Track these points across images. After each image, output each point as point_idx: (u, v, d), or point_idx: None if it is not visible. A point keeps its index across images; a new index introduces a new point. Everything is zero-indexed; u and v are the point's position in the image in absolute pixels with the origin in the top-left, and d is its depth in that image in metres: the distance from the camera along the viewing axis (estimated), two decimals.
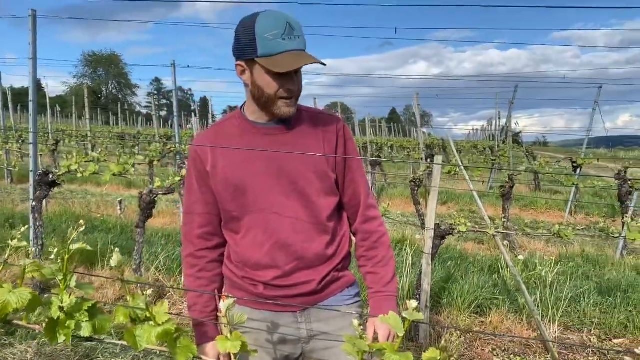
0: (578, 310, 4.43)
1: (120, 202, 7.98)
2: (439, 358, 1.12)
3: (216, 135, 1.63)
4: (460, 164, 4.71)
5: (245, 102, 1.63)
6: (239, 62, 1.53)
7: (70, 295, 1.31)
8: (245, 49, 1.47)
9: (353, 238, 1.77)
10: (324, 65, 1.51)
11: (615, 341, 4.08)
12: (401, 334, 1.17)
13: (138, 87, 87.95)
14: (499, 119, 16.39)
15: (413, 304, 1.18)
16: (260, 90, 1.51)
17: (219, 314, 1.58)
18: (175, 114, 7.87)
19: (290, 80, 1.49)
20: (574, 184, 8.64)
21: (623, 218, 5.34)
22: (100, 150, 4.78)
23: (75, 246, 1.34)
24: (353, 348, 1.18)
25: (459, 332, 3.88)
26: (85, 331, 1.31)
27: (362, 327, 1.16)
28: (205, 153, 1.60)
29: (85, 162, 5.35)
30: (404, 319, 1.17)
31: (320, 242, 1.60)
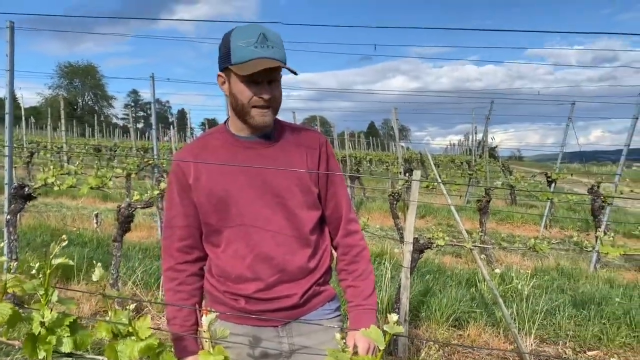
0: (553, 323, 4.50)
1: (96, 215, 7.87)
2: None
3: (200, 148, 1.65)
4: (439, 179, 4.77)
5: (229, 117, 1.66)
6: (219, 74, 1.58)
7: (51, 310, 1.31)
8: (223, 59, 1.52)
9: (334, 252, 1.79)
10: (295, 73, 1.54)
11: (590, 353, 4.15)
12: (382, 347, 1.19)
13: (115, 98, 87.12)
14: (476, 133, 16.66)
15: (394, 317, 1.20)
16: (236, 99, 1.54)
17: (200, 328, 1.58)
18: (153, 127, 7.81)
19: (263, 88, 1.51)
20: (548, 199, 8.81)
21: (596, 232, 5.46)
22: (77, 162, 4.72)
23: (57, 261, 1.34)
24: None
25: (437, 346, 3.91)
26: (67, 347, 1.31)
27: (344, 341, 1.18)
28: (188, 166, 1.62)
29: (62, 174, 5.29)
30: (384, 332, 1.19)
31: (303, 255, 1.62)
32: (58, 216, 8.76)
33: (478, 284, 5.26)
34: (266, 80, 1.51)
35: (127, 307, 1.29)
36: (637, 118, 6.57)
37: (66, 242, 1.38)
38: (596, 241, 4.37)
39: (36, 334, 1.27)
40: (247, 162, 1.58)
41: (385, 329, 1.19)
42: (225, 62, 1.51)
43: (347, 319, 1.75)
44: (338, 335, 1.17)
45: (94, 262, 1.33)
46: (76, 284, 4.84)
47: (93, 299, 4.44)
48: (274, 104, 1.55)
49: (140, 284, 4.84)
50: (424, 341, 3.98)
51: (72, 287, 4.75)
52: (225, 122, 1.69)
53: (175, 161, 1.67)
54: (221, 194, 1.58)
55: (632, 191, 6.33)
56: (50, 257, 1.32)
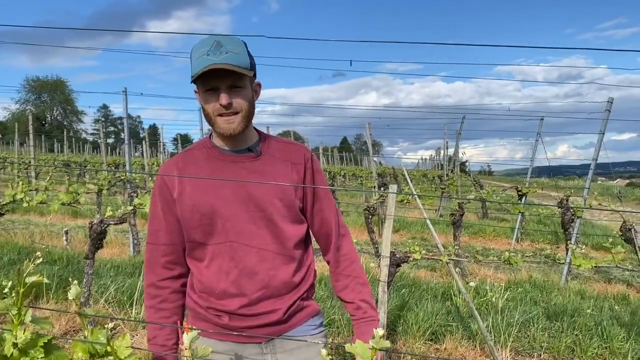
0: (528, 335, 4.55)
1: (66, 232, 7.68)
2: None
3: (185, 161, 1.63)
4: (414, 192, 4.80)
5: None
6: (194, 89, 1.59)
7: (24, 330, 1.26)
8: (191, 75, 1.52)
9: (322, 267, 1.77)
10: (250, 75, 1.52)
11: None
12: None
13: (84, 113, 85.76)
14: (447, 148, 16.89)
15: (380, 332, 1.19)
16: (203, 110, 1.56)
17: (181, 346, 1.54)
18: (126, 141, 7.71)
19: (221, 94, 1.50)
20: (520, 212, 8.96)
21: (567, 244, 5.56)
22: (47, 178, 4.62)
23: (31, 279, 1.29)
24: None
25: (415, 359, 3.90)
26: None
27: (329, 357, 1.16)
28: (172, 180, 1.60)
29: (30, 190, 5.15)
30: (371, 348, 1.18)
31: (287, 270, 1.60)
32: (26, 233, 8.52)
33: (453, 297, 5.29)
34: (224, 86, 1.49)
35: (106, 326, 1.25)
36: (603, 133, 6.75)
37: (41, 259, 1.34)
38: (567, 253, 4.45)
39: (8, 355, 1.22)
40: (232, 176, 1.56)
41: (371, 343, 1.18)
42: (191, 77, 1.52)
43: (353, 332, 1.72)
44: (324, 351, 1.15)
45: (70, 279, 1.29)
46: (45, 303, 4.70)
47: (63, 319, 4.31)
48: (237, 110, 1.52)
49: (113, 302, 4.72)
50: (402, 355, 3.97)
51: (41, 306, 4.60)
52: (209, 135, 1.67)
53: (159, 175, 1.65)
54: (205, 209, 1.55)
55: (600, 204, 6.48)
56: (24, 275, 1.27)
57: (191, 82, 1.54)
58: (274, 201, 1.57)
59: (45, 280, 1.34)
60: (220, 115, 1.51)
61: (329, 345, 1.69)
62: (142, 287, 4.70)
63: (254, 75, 1.58)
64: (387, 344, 1.18)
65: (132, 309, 4.55)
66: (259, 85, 1.63)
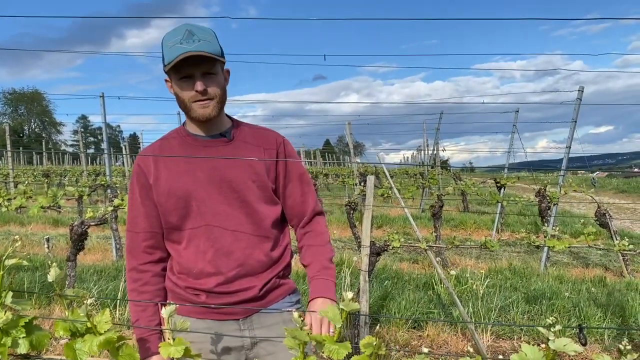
0: (508, 319, 4.64)
1: (47, 239, 7.62)
2: (374, 343, 1.19)
3: (161, 148, 1.68)
4: (392, 185, 4.88)
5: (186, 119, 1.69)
6: (165, 79, 1.63)
7: (5, 311, 1.29)
8: (163, 64, 1.56)
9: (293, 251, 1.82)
10: (223, 61, 1.58)
11: (543, 345, 4.30)
12: (339, 325, 1.24)
13: (63, 124, 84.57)
14: (427, 146, 17.04)
15: (349, 294, 1.25)
16: (178, 98, 1.60)
17: (162, 327, 1.58)
18: (105, 146, 7.69)
19: (197, 81, 1.55)
20: (498, 202, 9.11)
21: (544, 227, 5.68)
22: (26, 182, 4.60)
23: (11, 261, 1.33)
24: (294, 341, 1.22)
25: (398, 346, 3.97)
26: (23, 348, 1.30)
27: (301, 318, 1.21)
28: (148, 166, 1.64)
29: (9, 199, 5.13)
30: (341, 310, 1.24)
31: (262, 249, 1.65)
32: (6, 243, 8.43)
33: (435, 287, 5.37)
34: (199, 73, 1.54)
35: (85, 302, 1.28)
36: (575, 121, 6.91)
37: (19, 242, 1.38)
38: (545, 237, 4.57)
39: None
40: (205, 161, 1.61)
41: (341, 307, 1.23)
42: (163, 66, 1.56)
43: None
44: (296, 314, 1.20)
45: (53, 285, 1.32)
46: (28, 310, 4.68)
47: (46, 324, 4.29)
48: (212, 96, 1.57)
49: (96, 304, 4.71)
50: (386, 343, 4.03)
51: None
52: (183, 123, 1.72)
53: (136, 161, 1.69)
54: (181, 193, 1.60)
55: (575, 190, 6.63)
56: (3, 258, 1.31)
57: (165, 71, 1.58)
58: (248, 183, 1.63)
59: (25, 262, 1.38)
60: (196, 101, 1.57)
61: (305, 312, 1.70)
62: (125, 290, 4.71)
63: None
64: (356, 306, 1.24)
65: (115, 311, 4.55)
66: (228, 72, 1.68)
